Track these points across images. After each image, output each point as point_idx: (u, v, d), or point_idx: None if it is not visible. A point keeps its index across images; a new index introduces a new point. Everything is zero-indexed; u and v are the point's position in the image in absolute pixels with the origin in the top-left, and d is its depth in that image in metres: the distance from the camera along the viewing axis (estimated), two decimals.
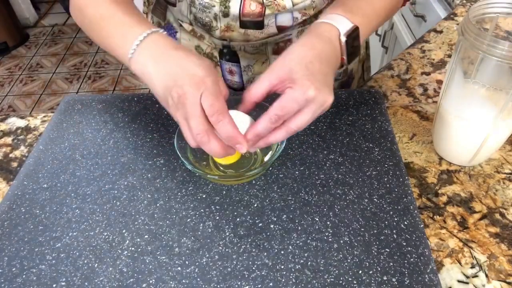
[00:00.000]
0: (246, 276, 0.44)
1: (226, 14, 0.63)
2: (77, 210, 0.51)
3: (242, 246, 0.46)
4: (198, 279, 0.44)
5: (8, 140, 0.65)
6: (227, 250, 0.46)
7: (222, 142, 0.44)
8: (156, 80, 0.45)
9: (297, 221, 0.48)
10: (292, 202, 0.50)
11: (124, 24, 0.50)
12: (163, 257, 0.46)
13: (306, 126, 0.45)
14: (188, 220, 0.49)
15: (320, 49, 0.46)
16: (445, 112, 0.53)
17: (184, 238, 0.47)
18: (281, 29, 0.65)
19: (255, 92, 0.45)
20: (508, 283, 0.44)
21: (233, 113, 0.47)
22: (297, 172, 0.54)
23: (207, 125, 0.43)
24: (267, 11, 0.62)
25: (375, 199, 0.50)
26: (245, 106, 0.47)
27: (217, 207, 0.51)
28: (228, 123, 0.43)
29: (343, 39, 0.48)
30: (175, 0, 0.65)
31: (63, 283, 0.44)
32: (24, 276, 0.45)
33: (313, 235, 0.47)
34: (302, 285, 0.43)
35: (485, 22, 0.50)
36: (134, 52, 0.47)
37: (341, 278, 0.43)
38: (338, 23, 0.49)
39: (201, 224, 0.49)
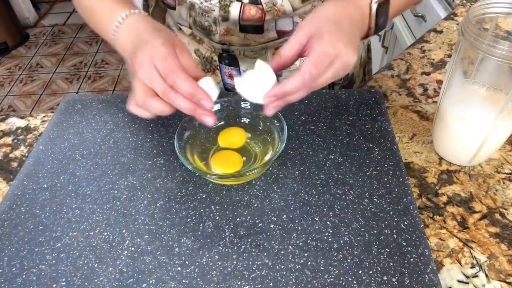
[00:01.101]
0: (246, 276, 0.44)
1: (225, 19, 0.63)
2: (77, 210, 0.51)
3: (242, 246, 0.46)
4: (198, 279, 0.44)
5: (8, 140, 0.65)
6: (227, 250, 0.46)
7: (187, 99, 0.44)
8: (128, 53, 0.49)
9: (297, 221, 0.48)
10: (292, 202, 0.50)
11: (109, 9, 0.53)
12: (163, 257, 0.46)
13: (325, 85, 0.45)
14: (188, 220, 0.49)
15: (349, 11, 0.47)
16: (445, 112, 0.53)
17: (184, 238, 0.47)
18: (281, 33, 0.65)
19: (285, 53, 0.46)
20: (508, 283, 0.44)
21: (261, 65, 0.47)
22: (297, 172, 0.54)
23: (167, 85, 0.44)
24: (267, 16, 0.62)
25: (375, 199, 0.50)
26: (275, 70, 0.47)
27: (217, 207, 0.51)
28: (185, 80, 0.43)
29: (374, 6, 0.48)
30: (175, 4, 0.65)
31: (63, 283, 0.44)
32: (24, 276, 0.45)
33: (313, 235, 0.47)
34: (302, 285, 0.43)
35: (485, 22, 0.50)
36: (116, 33, 0.51)
37: (341, 278, 0.43)
38: None
39: (201, 224, 0.49)
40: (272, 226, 0.48)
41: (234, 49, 0.67)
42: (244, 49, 0.66)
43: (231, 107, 0.58)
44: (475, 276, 0.45)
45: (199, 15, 0.63)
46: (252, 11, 0.61)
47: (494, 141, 0.52)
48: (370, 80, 0.72)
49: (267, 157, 0.54)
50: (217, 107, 0.58)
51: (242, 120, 0.58)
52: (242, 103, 0.58)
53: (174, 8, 0.66)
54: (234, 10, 0.62)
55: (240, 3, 0.61)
